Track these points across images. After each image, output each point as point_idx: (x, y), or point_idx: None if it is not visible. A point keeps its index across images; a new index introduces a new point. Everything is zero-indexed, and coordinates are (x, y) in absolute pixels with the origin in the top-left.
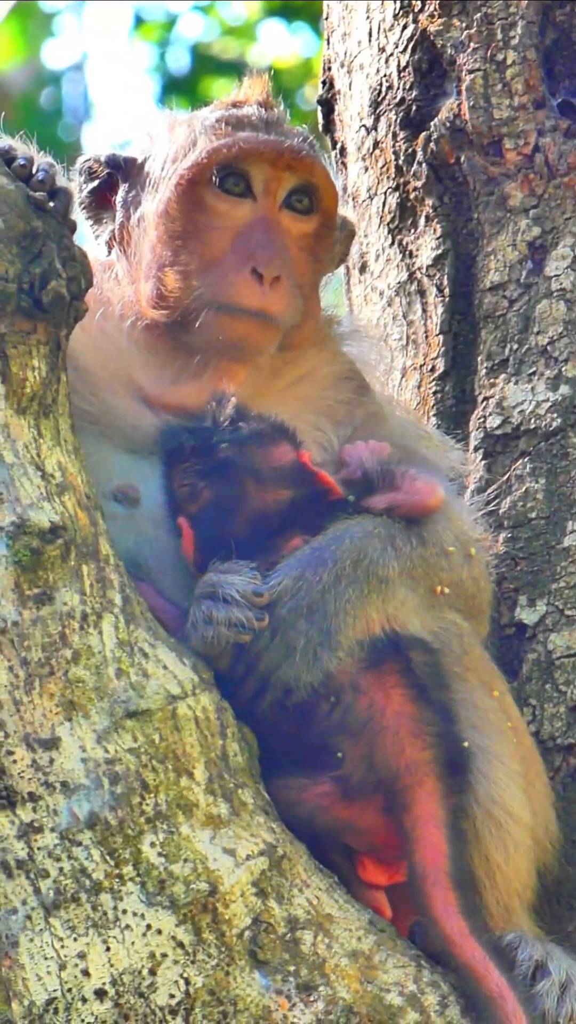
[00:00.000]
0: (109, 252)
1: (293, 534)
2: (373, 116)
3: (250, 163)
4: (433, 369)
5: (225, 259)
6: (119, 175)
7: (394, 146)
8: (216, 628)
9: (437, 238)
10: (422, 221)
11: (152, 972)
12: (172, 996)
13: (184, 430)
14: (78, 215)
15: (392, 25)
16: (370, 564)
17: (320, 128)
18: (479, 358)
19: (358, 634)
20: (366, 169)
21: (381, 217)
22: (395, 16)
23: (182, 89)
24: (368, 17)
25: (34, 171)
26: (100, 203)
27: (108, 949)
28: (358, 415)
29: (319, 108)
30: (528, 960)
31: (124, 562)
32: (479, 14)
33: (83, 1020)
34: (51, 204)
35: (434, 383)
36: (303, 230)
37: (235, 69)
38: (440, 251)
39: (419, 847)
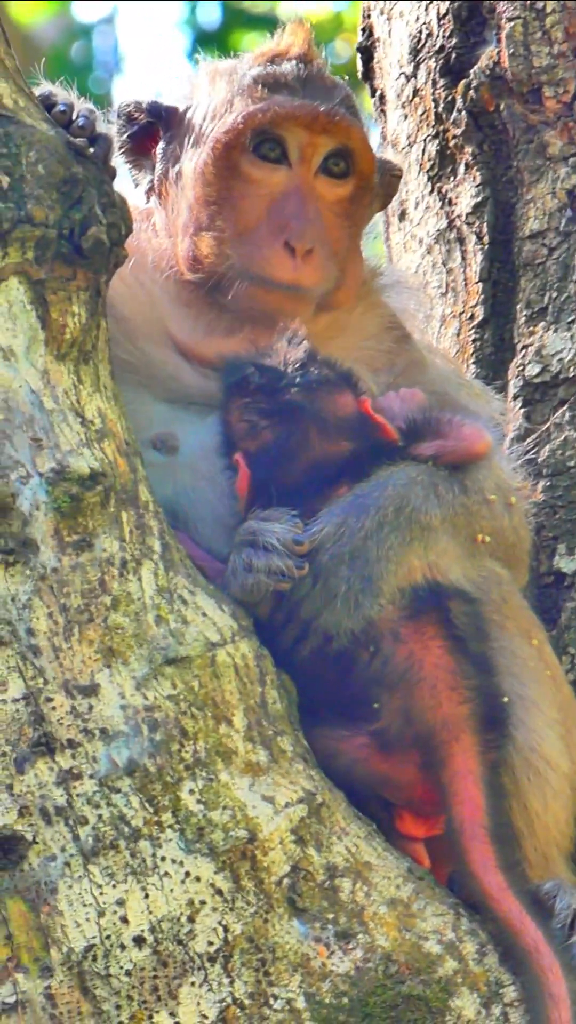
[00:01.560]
0: (147, 201)
1: (345, 484)
2: (413, 64)
3: (285, 128)
4: (472, 317)
5: (259, 229)
6: (160, 124)
7: (433, 94)
8: (256, 576)
9: (476, 186)
10: (461, 169)
11: (191, 919)
12: (211, 943)
13: (251, 364)
14: (117, 160)
15: None
16: (413, 511)
17: (360, 75)
18: (518, 306)
19: (400, 581)
20: (405, 117)
21: (420, 165)
22: None
23: (212, 43)
24: None
25: (74, 117)
26: (140, 149)
27: (147, 896)
28: (399, 363)
29: (359, 55)
30: (567, 908)
31: (162, 510)
32: None
33: (122, 967)
34: (91, 150)
35: (473, 331)
36: (339, 194)
37: (266, 23)
38: (479, 199)
39: (456, 802)
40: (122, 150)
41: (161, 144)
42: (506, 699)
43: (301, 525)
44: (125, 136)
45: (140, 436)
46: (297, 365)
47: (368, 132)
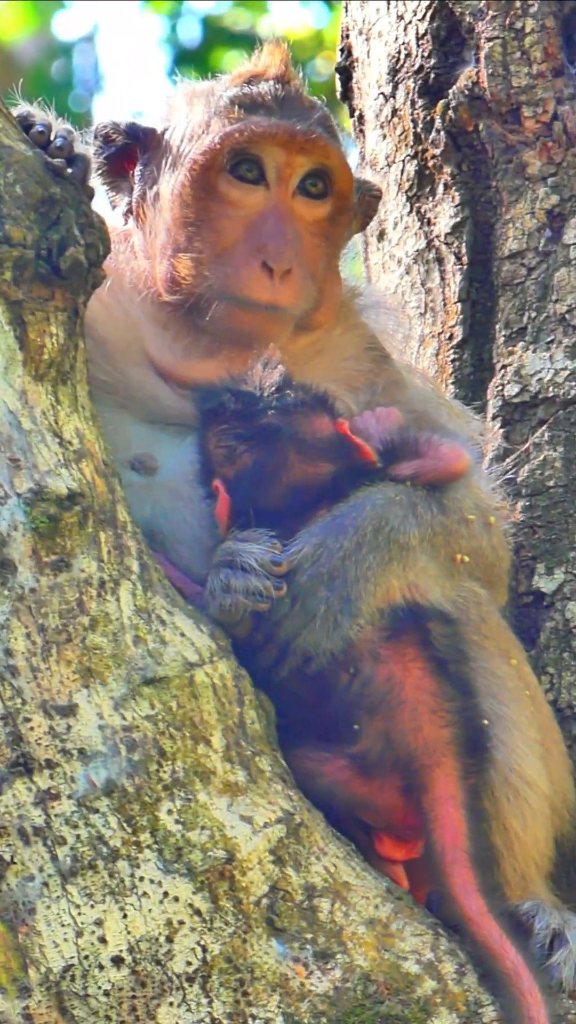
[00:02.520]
0: (126, 223)
1: (325, 507)
2: (391, 84)
3: (262, 148)
4: (451, 337)
5: (237, 249)
6: (138, 146)
7: (412, 114)
8: (234, 596)
9: (455, 206)
10: (440, 189)
11: (169, 939)
12: (189, 963)
13: (226, 390)
14: (95, 181)
15: None
16: (391, 531)
17: (338, 95)
18: (497, 326)
19: (379, 602)
20: (384, 137)
21: (399, 185)
22: None
23: (193, 61)
24: None
25: (52, 138)
26: (117, 170)
27: (125, 916)
28: (378, 383)
29: (337, 76)
30: (545, 929)
31: (140, 531)
32: None
33: (100, 987)
34: (69, 170)
35: (452, 351)
36: (317, 215)
37: (246, 40)
38: (458, 219)
39: (438, 826)
40: (100, 171)
41: (139, 166)
42: (486, 722)
43: (279, 546)
44: (103, 157)
45: (119, 457)
46: (273, 389)
47: (346, 152)
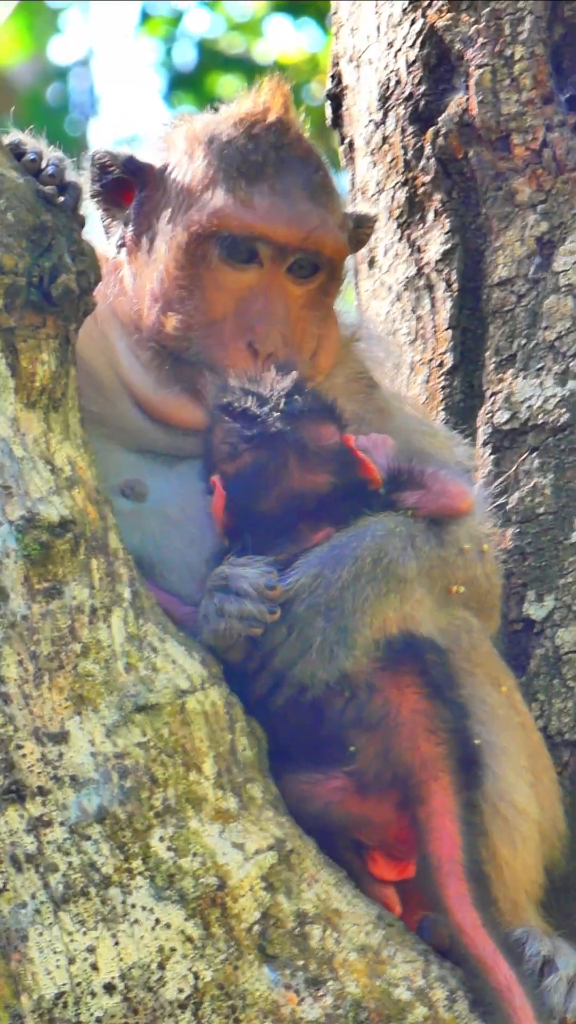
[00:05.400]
0: (117, 253)
1: (323, 526)
2: (382, 111)
3: (258, 239)
4: (441, 364)
5: (225, 324)
6: (135, 179)
7: (402, 141)
8: (228, 621)
9: (445, 233)
10: (430, 216)
11: (161, 966)
12: (181, 990)
13: (239, 388)
14: (89, 207)
15: (400, 20)
16: (390, 563)
17: (329, 123)
18: (487, 353)
19: (375, 633)
20: (374, 164)
21: (390, 212)
22: (403, 11)
23: (188, 85)
24: (376, 12)
25: (44, 166)
26: (113, 199)
27: (117, 943)
28: (368, 410)
29: (328, 103)
30: (536, 955)
31: (132, 558)
32: (487, 9)
33: (92, 1014)
34: (61, 199)
35: (442, 378)
36: (308, 289)
37: (241, 65)
38: (448, 246)
39: (434, 839)
40: (95, 197)
41: (135, 201)
42: (478, 742)
43: (275, 572)
44: (99, 185)
45: (108, 483)
46: (283, 393)
47: (340, 205)
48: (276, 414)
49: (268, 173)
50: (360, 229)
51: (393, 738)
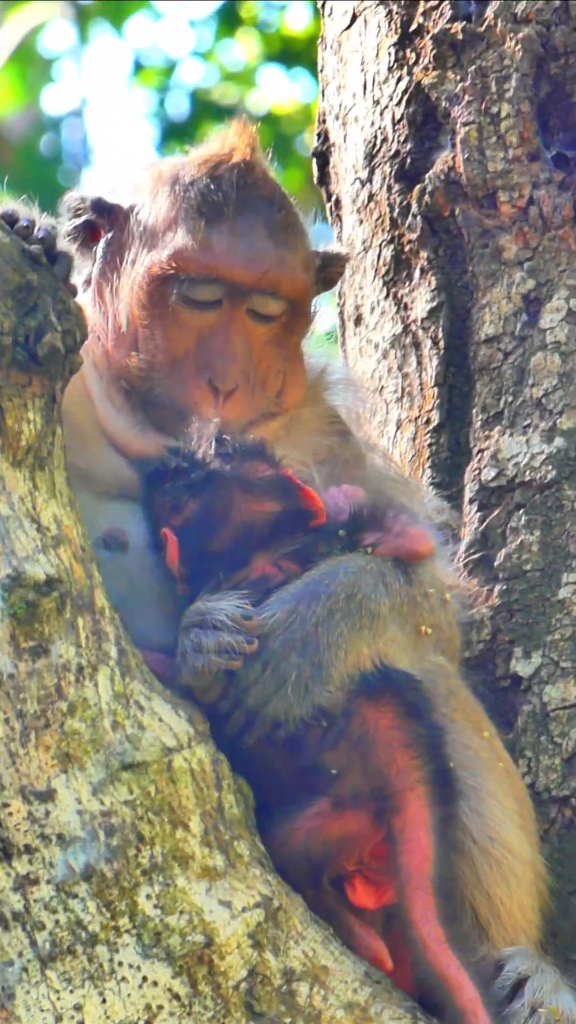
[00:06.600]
0: (84, 290)
1: (274, 555)
2: (368, 168)
3: (216, 279)
4: (428, 421)
5: (186, 363)
6: (103, 221)
7: (389, 199)
8: (206, 656)
9: (432, 291)
10: (417, 274)
11: None
12: None
13: (165, 450)
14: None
15: (387, 78)
16: (363, 599)
17: (315, 180)
18: (474, 410)
19: (349, 668)
20: (361, 222)
21: (376, 270)
22: (389, 69)
23: (181, 135)
24: (363, 70)
25: (35, 232)
26: (84, 240)
27: (104, 1001)
28: (340, 456)
29: (314, 160)
30: (513, 971)
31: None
32: (473, 67)
33: None
34: (55, 268)
35: (429, 435)
36: (270, 327)
37: (234, 114)
38: (435, 304)
39: (406, 849)
40: (67, 238)
41: (103, 241)
42: (451, 764)
43: (249, 604)
44: (70, 227)
45: (91, 534)
46: (211, 440)
47: (306, 244)
48: (210, 459)
49: (228, 213)
50: (330, 268)
51: (370, 752)
